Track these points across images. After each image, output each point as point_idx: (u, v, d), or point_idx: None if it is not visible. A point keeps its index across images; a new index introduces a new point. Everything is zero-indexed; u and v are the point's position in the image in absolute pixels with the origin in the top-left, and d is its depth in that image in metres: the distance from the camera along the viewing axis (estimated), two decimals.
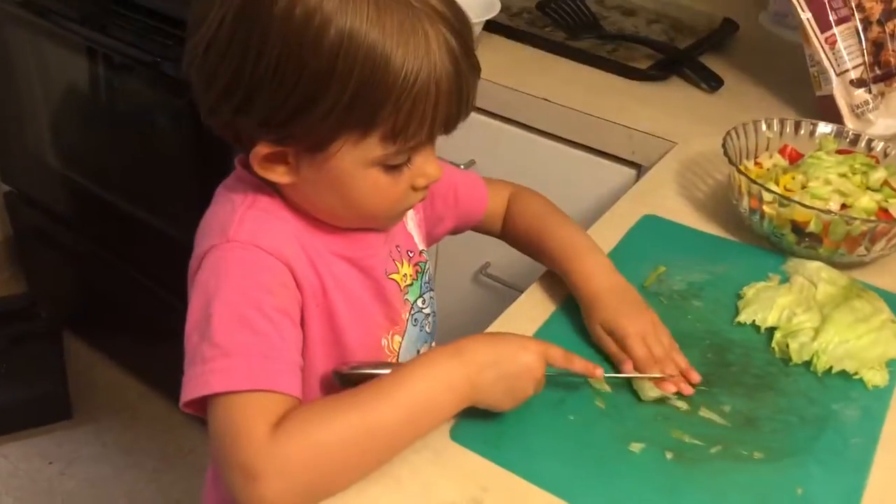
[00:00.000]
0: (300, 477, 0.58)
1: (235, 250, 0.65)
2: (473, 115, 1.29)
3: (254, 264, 0.65)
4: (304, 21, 0.59)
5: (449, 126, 0.66)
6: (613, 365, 0.76)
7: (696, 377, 0.75)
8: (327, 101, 0.60)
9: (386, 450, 0.63)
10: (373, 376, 0.64)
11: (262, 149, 0.65)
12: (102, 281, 1.93)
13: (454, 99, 0.63)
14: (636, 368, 0.74)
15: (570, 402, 0.72)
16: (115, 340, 2.04)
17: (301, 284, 0.68)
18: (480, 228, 0.94)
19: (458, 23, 0.63)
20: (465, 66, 0.63)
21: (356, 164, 0.65)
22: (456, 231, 0.93)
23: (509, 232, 0.92)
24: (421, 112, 0.62)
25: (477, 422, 0.69)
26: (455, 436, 0.68)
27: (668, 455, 0.68)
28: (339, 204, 0.68)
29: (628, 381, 0.75)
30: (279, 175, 0.67)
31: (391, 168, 0.66)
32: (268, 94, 0.61)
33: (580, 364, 0.71)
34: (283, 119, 0.62)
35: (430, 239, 0.90)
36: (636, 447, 0.69)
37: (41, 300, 1.89)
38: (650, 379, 0.74)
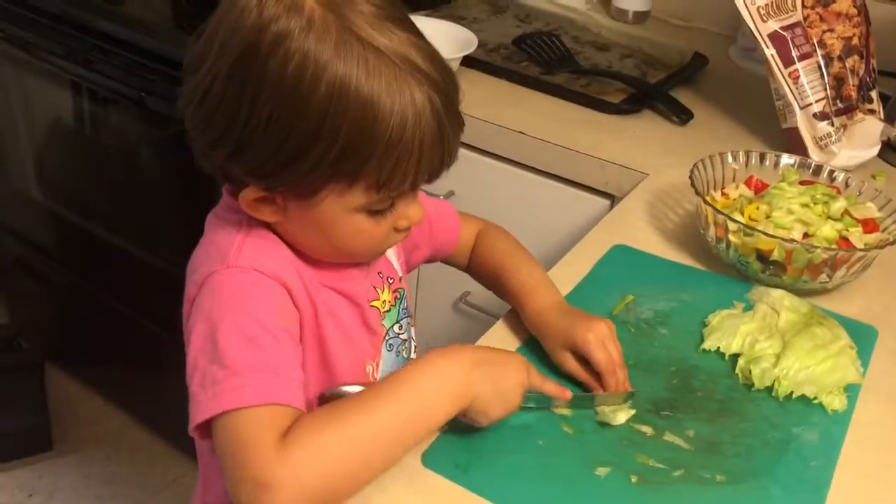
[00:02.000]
0: (311, 483, 0.59)
1: (236, 275, 0.68)
2: None
3: (254, 287, 0.68)
4: (296, 81, 0.61)
5: (431, 177, 0.69)
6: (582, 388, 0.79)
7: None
8: (314, 157, 0.63)
9: (391, 450, 0.64)
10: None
11: (250, 193, 0.68)
12: (85, 312, 1.94)
13: (437, 154, 0.66)
14: (600, 373, 0.78)
15: (539, 427, 0.74)
16: (96, 371, 2.04)
17: (298, 307, 0.70)
18: (449, 261, 0.97)
19: (443, 82, 0.65)
20: (449, 124, 0.66)
21: (341, 210, 0.67)
22: (430, 260, 0.96)
23: (474, 267, 0.95)
24: (404, 167, 0.65)
25: (447, 447, 0.71)
26: (427, 462, 0.70)
27: (633, 478, 0.70)
28: (324, 244, 0.71)
29: (595, 411, 0.77)
30: (267, 215, 0.69)
31: (375, 213, 0.69)
32: (258, 147, 0.64)
33: (552, 387, 0.74)
34: (271, 170, 0.65)
35: (407, 266, 0.93)
36: (602, 471, 0.70)
37: (23, 332, 1.89)
38: (609, 399, 0.77)
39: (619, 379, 0.78)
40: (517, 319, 0.89)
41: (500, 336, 0.87)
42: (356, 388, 0.70)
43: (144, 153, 1.62)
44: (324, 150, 0.62)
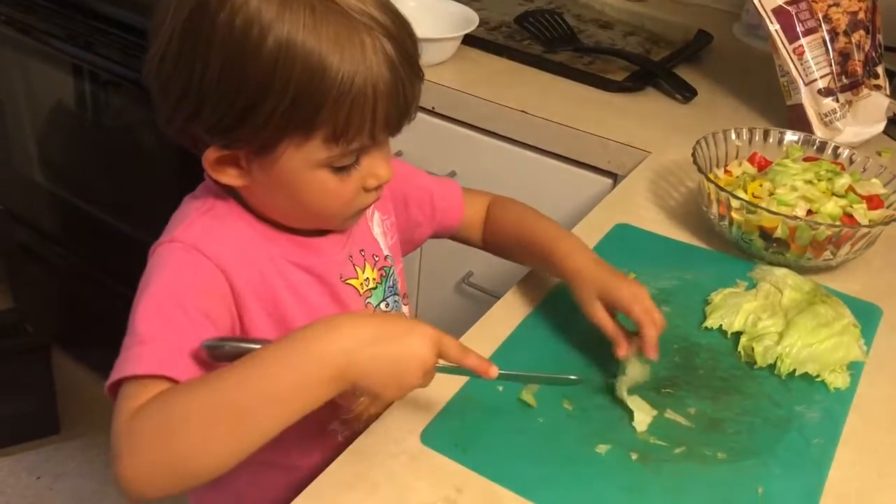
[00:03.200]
0: (147, 453, 0.58)
1: (175, 250, 0.68)
2: (453, 127, 1.33)
3: (188, 265, 0.67)
4: (244, 31, 0.61)
5: (391, 128, 0.68)
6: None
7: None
8: (268, 107, 0.63)
9: (238, 430, 0.58)
10: (244, 351, 0.61)
11: (212, 153, 0.67)
12: (90, 296, 1.94)
13: (392, 102, 0.66)
14: (640, 326, 0.75)
15: (539, 405, 0.74)
16: (103, 355, 2.02)
17: (240, 294, 0.69)
18: (458, 237, 0.95)
19: (397, 31, 0.65)
20: (405, 72, 0.65)
21: (302, 165, 0.67)
22: (435, 236, 0.95)
23: (490, 238, 0.93)
24: (359, 115, 0.64)
25: (447, 426, 0.71)
26: (426, 440, 0.70)
27: (633, 456, 0.70)
28: (290, 205, 0.71)
29: (617, 374, 0.76)
30: (231, 178, 0.69)
31: (338, 169, 0.68)
32: (214, 102, 0.64)
33: (474, 360, 0.66)
34: (228, 124, 0.65)
35: (410, 244, 0.92)
36: (602, 448, 0.70)
37: (28, 316, 1.90)
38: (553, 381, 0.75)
39: (654, 335, 0.75)
40: (519, 298, 0.88)
41: (502, 315, 0.86)
42: (238, 345, 0.63)
43: (145, 135, 1.61)
44: (276, 101, 0.62)
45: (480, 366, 0.66)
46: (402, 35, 0.66)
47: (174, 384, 0.60)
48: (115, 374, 0.62)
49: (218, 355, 0.63)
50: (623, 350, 0.76)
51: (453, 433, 0.70)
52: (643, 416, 0.73)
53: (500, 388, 0.75)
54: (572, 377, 0.75)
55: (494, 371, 0.67)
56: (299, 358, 0.59)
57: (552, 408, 0.74)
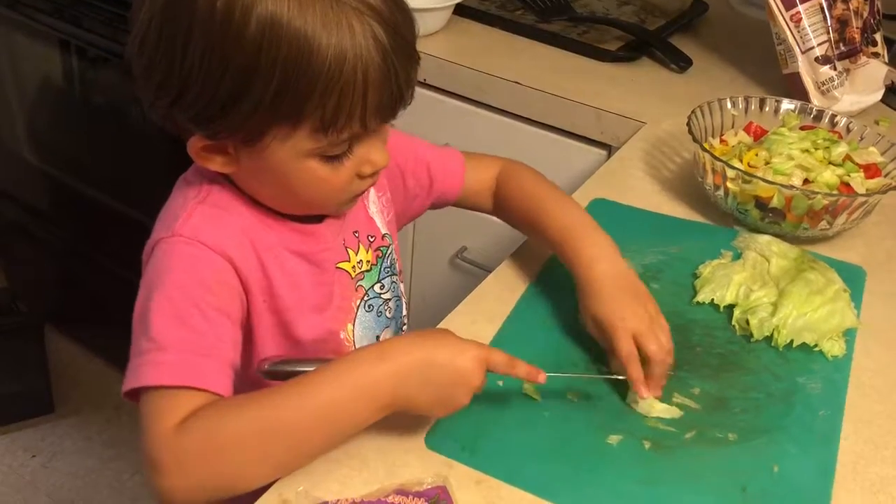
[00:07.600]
0: (197, 470, 0.58)
1: (179, 245, 0.66)
2: (446, 99, 1.31)
3: (195, 260, 0.66)
4: (226, 16, 0.59)
5: (383, 115, 0.65)
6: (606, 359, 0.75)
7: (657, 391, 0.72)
8: (253, 97, 0.60)
9: (291, 451, 0.61)
10: (297, 373, 0.63)
11: (197, 141, 0.65)
12: (83, 274, 1.93)
13: (384, 90, 0.63)
14: (618, 364, 0.72)
15: (543, 397, 0.71)
16: (96, 333, 2.04)
17: (246, 282, 0.68)
18: (465, 205, 0.92)
19: (389, 13, 0.62)
20: (397, 57, 0.62)
21: (291, 156, 0.65)
22: (434, 207, 0.92)
23: (503, 211, 0.90)
24: (349, 104, 0.62)
25: (451, 427, 0.67)
26: (430, 443, 0.67)
27: (646, 444, 0.67)
28: (283, 193, 0.69)
29: (624, 394, 0.72)
30: (219, 165, 0.67)
31: (330, 158, 0.66)
32: (196, 90, 0.61)
33: (523, 369, 0.66)
34: (211, 114, 0.62)
35: (406, 216, 0.89)
36: (614, 439, 0.68)
37: (21, 295, 1.89)
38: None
39: (665, 369, 0.72)
40: (510, 273, 0.87)
41: (493, 290, 0.85)
42: (306, 367, 0.65)
43: (136, 112, 1.59)
44: (261, 89, 0.60)
45: (530, 373, 0.66)
46: (394, 18, 0.63)
47: (213, 396, 0.61)
48: (135, 381, 0.61)
49: (274, 375, 0.66)
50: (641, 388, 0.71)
51: (459, 434, 0.67)
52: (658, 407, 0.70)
53: (500, 383, 0.71)
54: (619, 376, 0.72)
55: (543, 376, 0.67)
56: (346, 390, 0.61)
57: (557, 400, 0.71)
